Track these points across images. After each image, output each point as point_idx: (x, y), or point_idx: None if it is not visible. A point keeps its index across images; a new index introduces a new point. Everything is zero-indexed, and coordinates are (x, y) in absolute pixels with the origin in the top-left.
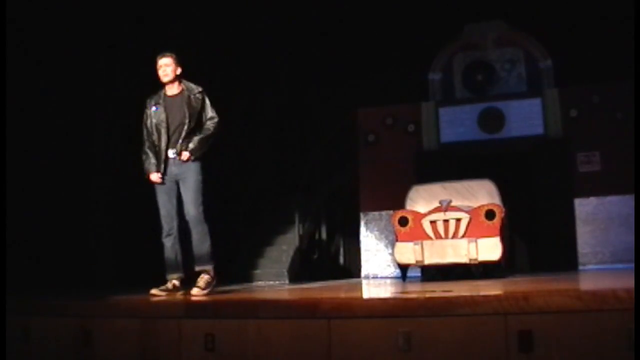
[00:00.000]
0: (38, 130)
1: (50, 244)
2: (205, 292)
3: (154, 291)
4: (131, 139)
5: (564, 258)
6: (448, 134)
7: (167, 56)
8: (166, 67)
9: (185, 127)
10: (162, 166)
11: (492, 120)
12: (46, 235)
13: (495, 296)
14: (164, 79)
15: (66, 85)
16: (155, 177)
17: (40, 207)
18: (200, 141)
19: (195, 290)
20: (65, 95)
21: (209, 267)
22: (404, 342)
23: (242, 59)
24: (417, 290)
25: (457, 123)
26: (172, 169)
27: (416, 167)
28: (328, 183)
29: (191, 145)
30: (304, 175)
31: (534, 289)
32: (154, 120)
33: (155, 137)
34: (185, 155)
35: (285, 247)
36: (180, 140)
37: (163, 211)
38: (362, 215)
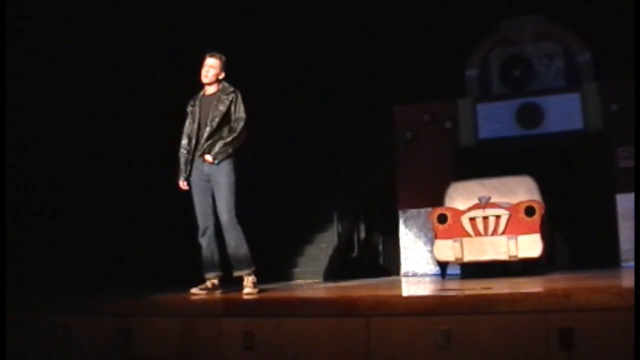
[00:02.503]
0: (78, 133)
1: (91, 245)
2: (256, 290)
3: (193, 290)
4: (170, 140)
5: (605, 255)
6: (486, 131)
7: (216, 57)
8: (210, 67)
9: (208, 128)
10: (189, 167)
11: (530, 115)
12: (87, 236)
13: (535, 293)
14: (204, 80)
15: (105, 86)
16: (181, 184)
17: (81, 208)
18: (225, 144)
19: (246, 290)
20: (105, 96)
21: (249, 272)
22: (443, 340)
23: (278, 57)
24: (456, 288)
25: (494, 119)
26: (204, 169)
27: (454, 164)
28: (366, 181)
29: (215, 149)
30: (342, 174)
31: (574, 286)
32: (190, 122)
33: (191, 137)
34: (209, 158)
35: (324, 245)
36: (203, 141)
37: (198, 210)
38: (400, 212)
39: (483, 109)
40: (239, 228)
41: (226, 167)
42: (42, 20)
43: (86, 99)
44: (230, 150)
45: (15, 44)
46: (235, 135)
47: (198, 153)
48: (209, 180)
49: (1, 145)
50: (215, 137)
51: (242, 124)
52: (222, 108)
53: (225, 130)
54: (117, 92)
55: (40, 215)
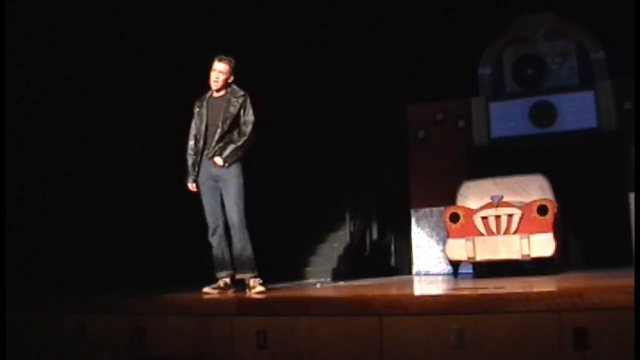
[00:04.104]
0: (91, 134)
1: (105, 244)
2: (265, 288)
3: (206, 289)
4: (185, 139)
5: (619, 253)
6: (499, 129)
7: (225, 62)
8: (220, 73)
9: (219, 130)
10: (197, 168)
11: (543, 114)
12: (101, 236)
13: (549, 293)
14: (213, 85)
15: (119, 84)
16: (190, 186)
17: (95, 208)
18: (236, 148)
19: (258, 289)
20: (119, 94)
21: (252, 275)
22: (456, 339)
23: (290, 55)
24: (469, 287)
25: (507, 118)
26: (212, 170)
27: (467, 162)
28: (379, 180)
29: (226, 152)
30: (355, 173)
31: (588, 286)
32: (197, 122)
33: (198, 138)
34: (219, 161)
35: (337, 244)
36: (213, 144)
37: (207, 209)
38: (413, 212)
39: (496, 107)
40: (246, 231)
41: (235, 170)
42: (53, 16)
43: (100, 96)
44: (240, 154)
45: (26, 43)
46: (245, 138)
47: (208, 154)
48: (217, 181)
49: (26, 145)
50: (226, 140)
51: (251, 127)
52: (233, 110)
53: (235, 133)
54: (131, 90)
55: (56, 214)
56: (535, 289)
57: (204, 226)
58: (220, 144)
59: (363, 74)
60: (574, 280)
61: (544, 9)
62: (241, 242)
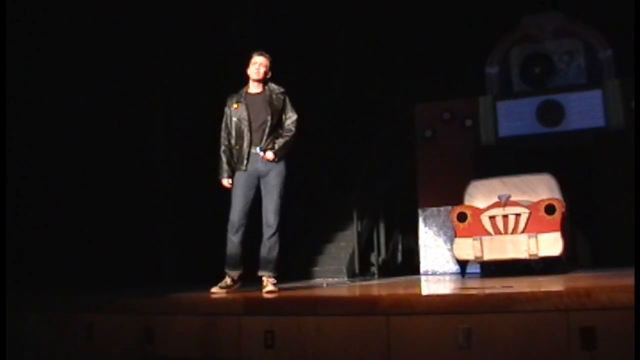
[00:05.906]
0: (101, 134)
1: (113, 244)
2: (277, 289)
3: (214, 289)
4: (194, 137)
5: (627, 253)
6: (506, 128)
7: (266, 57)
8: (261, 66)
9: (269, 124)
10: (245, 162)
11: (551, 113)
12: (109, 235)
13: (557, 292)
14: (254, 76)
15: (128, 86)
16: (225, 182)
17: (103, 207)
18: (285, 143)
19: (269, 288)
20: (127, 96)
21: (272, 275)
22: (463, 339)
23: (297, 54)
24: (476, 287)
25: (515, 117)
26: (257, 165)
27: (474, 162)
28: (386, 179)
29: (277, 147)
30: (362, 172)
31: (596, 285)
32: (234, 119)
33: (235, 135)
34: (270, 155)
35: (344, 244)
36: (264, 138)
37: (238, 206)
38: (420, 211)
39: (503, 106)
40: (279, 232)
41: (280, 167)
42: (62, 16)
43: (108, 95)
44: (288, 148)
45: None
46: (292, 133)
47: (255, 149)
48: (259, 178)
49: (34, 145)
50: (274, 135)
51: (296, 122)
52: (278, 105)
53: (279, 129)
54: (138, 90)
55: (64, 214)
56: (543, 289)
57: (212, 225)
58: (271, 138)
59: (371, 73)
60: (581, 280)
61: (552, 8)
62: (271, 241)
